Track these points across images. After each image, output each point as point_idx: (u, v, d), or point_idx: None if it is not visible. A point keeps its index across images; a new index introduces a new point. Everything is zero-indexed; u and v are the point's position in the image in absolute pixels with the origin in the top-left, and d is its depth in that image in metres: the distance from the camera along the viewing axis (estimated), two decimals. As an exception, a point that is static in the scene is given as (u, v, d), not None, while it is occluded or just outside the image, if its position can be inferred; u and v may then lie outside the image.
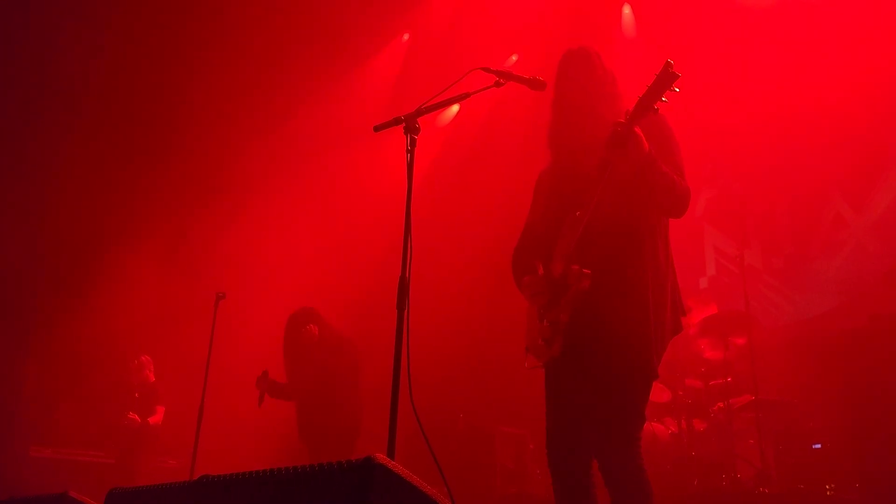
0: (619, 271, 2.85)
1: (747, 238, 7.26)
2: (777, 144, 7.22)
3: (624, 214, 2.88)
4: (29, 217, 7.21)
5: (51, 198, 7.41)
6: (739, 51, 7.22)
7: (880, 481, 4.50)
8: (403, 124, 2.85)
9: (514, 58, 8.36)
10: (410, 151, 2.81)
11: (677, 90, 2.67)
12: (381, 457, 1.72)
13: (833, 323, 6.40)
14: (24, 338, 7.13)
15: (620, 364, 2.81)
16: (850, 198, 6.88)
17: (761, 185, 7.45)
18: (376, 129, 2.94)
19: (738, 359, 6.05)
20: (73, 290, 7.37)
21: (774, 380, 6.09)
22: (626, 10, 8.03)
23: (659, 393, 6.28)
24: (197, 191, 7.96)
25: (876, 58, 6.36)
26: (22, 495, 3.53)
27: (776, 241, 7.39)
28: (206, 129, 7.92)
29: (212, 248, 7.76)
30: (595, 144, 2.87)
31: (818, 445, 5.19)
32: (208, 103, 7.87)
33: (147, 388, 7.08)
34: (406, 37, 8.75)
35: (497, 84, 3.10)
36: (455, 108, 8.69)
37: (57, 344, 7.25)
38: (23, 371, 7.05)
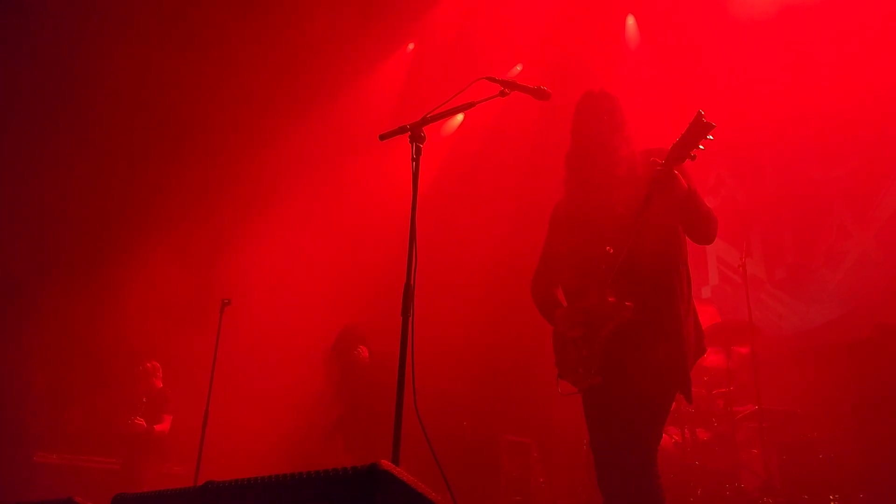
0: (656, 304, 3.03)
1: (750, 248, 7.26)
2: (780, 154, 7.23)
3: (659, 250, 3.05)
4: (37, 223, 7.25)
5: (59, 204, 7.44)
6: (742, 61, 7.24)
7: (885, 491, 4.49)
8: (409, 133, 2.88)
9: (518, 67, 8.39)
10: (416, 160, 2.84)
11: (711, 138, 2.81)
12: (386, 463, 1.74)
13: (836, 333, 6.40)
14: (31, 344, 7.15)
15: (660, 392, 3.01)
16: (854, 208, 6.88)
17: (764, 194, 7.46)
18: (382, 137, 2.96)
19: (741, 368, 6.04)
20: (80, 296, 7.40)
21: (778, 389, 6.08)
22: (630, 20, 8.06)
23: (662, 402, 6.27)
24: (203, 198, 8.00)
25: (879, 68, 6.37)
26: (27, 500, 3.54)
27: (779, 251, 7.39)
28: (212, 138, 7.97)
29: (218, 255, 7.79)
30: (611, 181, 3.07)
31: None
32: (215, 113, 7.91)
33: (154, 394, 7.05)
34: (411, 46, 8.80)
35: (502, 94, 3.13)
36: (460, 117, 8.72)
37: (64, 350, 7.28)
38: (30, 377, 7.08)
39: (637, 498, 2.88)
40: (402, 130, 2.91)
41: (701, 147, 2.81)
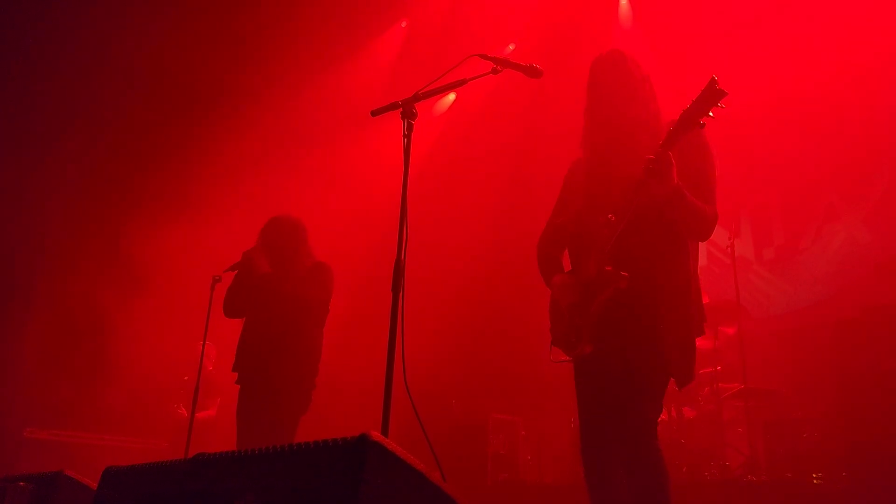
0: (658, 275, 2.93)
1: (738, 228, 7.31)
2: (770, 135, 7.25)
3: (662, 223, 2.95)
4: (28, 198, 7.20)
5: (52, 179, 7.39)
6: (734, 43, 7.24)
7: (867, 470, 4.55)
8: (401, 109, 2.87)
9: (511, 46, 8.36)
10: (407, 136, 2.84)
11: (723, 106, 2.73)
12: (376, 434, 1.75)
13: (823, 313, 6.45)
14: (21, 319, 7.13)
15: (656, 366, 2.89)
16: (843, 189, 6.92)
17: (754, 175, 7.49)
18: (374, 113, 2.95)
19: (727, 348, 6.10)
20: (72, 271, 7.37)
21: (764, 369, 6.15)
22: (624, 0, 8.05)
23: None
24: (193, 174, 7.95)
25: (869, 49, 6.39)
26: (17, 474, 3.55)
27: (767, 232, 7.43)
28: (202, 114, 7.91)
29: (209, 231, 7.75)
30: (628, 144, 2.95)
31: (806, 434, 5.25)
32: (204, 88, 7.84)
33: (204, 378, 7.03)
34: (404, 24, 8.76)
35: (494, 71, 3.11)
36: (452, 95, 8.72)
37: (55, 324, 7.25)
38: (20, 352, 7.05)
39: (636, 469, 2.84)
40: (393, 107, 2.90)
41: (711, 115, 2.73)
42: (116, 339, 7.27)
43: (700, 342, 6.30)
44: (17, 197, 7.08)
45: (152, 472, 2.47)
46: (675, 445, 5.76)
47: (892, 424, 4.48)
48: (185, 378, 6.92)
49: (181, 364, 7.11)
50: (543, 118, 7.93)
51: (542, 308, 3.37)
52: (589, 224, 3.07)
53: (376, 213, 7.25)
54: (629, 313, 2.92)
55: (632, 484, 2.85)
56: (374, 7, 8.16)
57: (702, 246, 8.13)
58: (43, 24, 6.95)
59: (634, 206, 2.88)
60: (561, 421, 6.52)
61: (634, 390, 2.88)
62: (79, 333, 7.34)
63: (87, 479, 3.07)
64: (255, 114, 8.03)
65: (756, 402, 5.77)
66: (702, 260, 7.74)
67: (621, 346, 2.93)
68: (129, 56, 7.40)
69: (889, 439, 4.45)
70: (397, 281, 2.67)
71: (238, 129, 8.01)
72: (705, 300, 6.35)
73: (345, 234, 7.90)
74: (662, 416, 6.11)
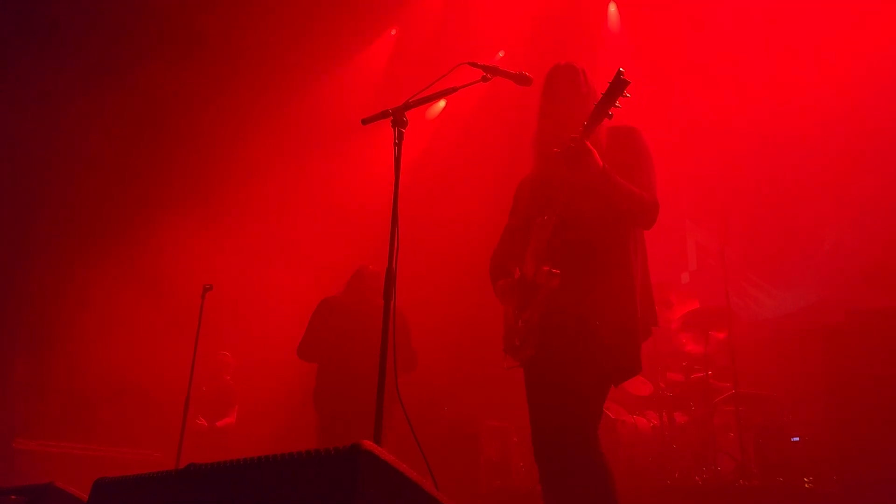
0: (595, 270, 2.92)
1: (728, 234, 7.33)
2: (759, 142, 7.30)
3: (593, 215, 2.95)
4: (20, 209, 7.17)
5: (42, 190, 7.37)
6: (724, 49, 7.29)
7: (858, 474, 4.57)
8: (391, 117, 2.88)
9: (500, 54, 8.39)
10: (398, 145, 2.84)
11: (628, 95, 2.74)
12: (369, 443, 1.74)
13: (812, 318, 6.49)
14: (10, 329, 7.08)
15: (602, 361, 2.86)
16: (831, 195, 6.96)
17: (743, 182, 7.53)
18: (364, 122, 2.97)
19: (718, 353, 6.12)
20: (60, 281, 7.34)
21: (754, 374, 6.17)
22: (612, 7, 8.09)
23: (641, 386, 6.36)
24: (187, 184, 7.94)
25: (858, 58, 6.45)
26: (7, 486, 3.52)
27: (757, 237, 7.47)
28: (193, 124, 7.90)
29: (201, 240, 7.75)
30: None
31: (797, 438, 5.28)
32: (194, 99, 7.83)
33: (220, 387, 7.09)
34: (394, 32, 8.78)
35: (484, 79, 3.13)
36: (442, 102, 8.73)
37: (44, 335, 7.21)
38: (9, 363, 7.01)
39: (575, 473, 2.82)
40: (384, 115, 2.91)
41: (617, 105, 2.74)
42: (107, 348, 7.24)
43: (692, 347, 6.37)
44: (8, 205, 7.05)
45: (143, 482, 2.46)
46: (666, 450, 5.77)
47: (882, 428, 4.50)
48: (203, 388, 6.96)
49: (198, 375, 7.13)
50: (533, 124, 7.95)
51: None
52: (532, 227, 3.10)
53: (367, 220, 7.25)
54: (566, 313, 2.91)
55: (573, 492, 2.83)
56: (363, 15, 8.18)
57: (692, 251, 8.14)
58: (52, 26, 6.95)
59: (562, 200, 2.90)
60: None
61: (570, 393, 2.86)
62: (68, 343, 7.30)
63: (77, 490, 3.05)
64: (246, 123, 8.03)
65: (747, 406, 5.79)
66: (692, 265, 7.82)
67: (560, 348, 2.91)
68: (128, 64, 7.41)
69: (879, 443, 4.48)
70: (388, 288, 2.67)
71: (230, 140, 8.01)
72: (695, 305, 6.39)
73: (335, 243, 7.91)
74: (654, 422, 6.12)
